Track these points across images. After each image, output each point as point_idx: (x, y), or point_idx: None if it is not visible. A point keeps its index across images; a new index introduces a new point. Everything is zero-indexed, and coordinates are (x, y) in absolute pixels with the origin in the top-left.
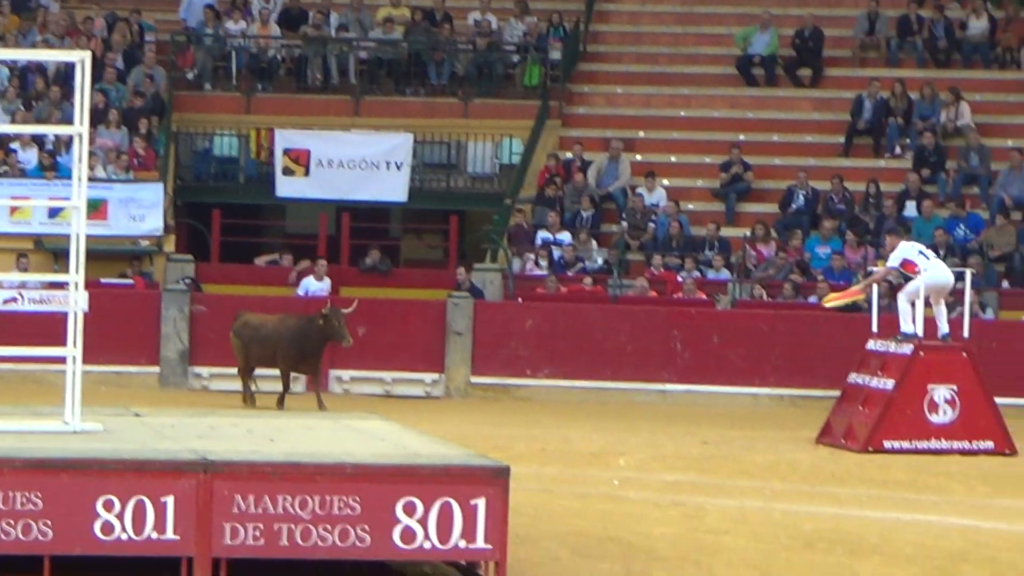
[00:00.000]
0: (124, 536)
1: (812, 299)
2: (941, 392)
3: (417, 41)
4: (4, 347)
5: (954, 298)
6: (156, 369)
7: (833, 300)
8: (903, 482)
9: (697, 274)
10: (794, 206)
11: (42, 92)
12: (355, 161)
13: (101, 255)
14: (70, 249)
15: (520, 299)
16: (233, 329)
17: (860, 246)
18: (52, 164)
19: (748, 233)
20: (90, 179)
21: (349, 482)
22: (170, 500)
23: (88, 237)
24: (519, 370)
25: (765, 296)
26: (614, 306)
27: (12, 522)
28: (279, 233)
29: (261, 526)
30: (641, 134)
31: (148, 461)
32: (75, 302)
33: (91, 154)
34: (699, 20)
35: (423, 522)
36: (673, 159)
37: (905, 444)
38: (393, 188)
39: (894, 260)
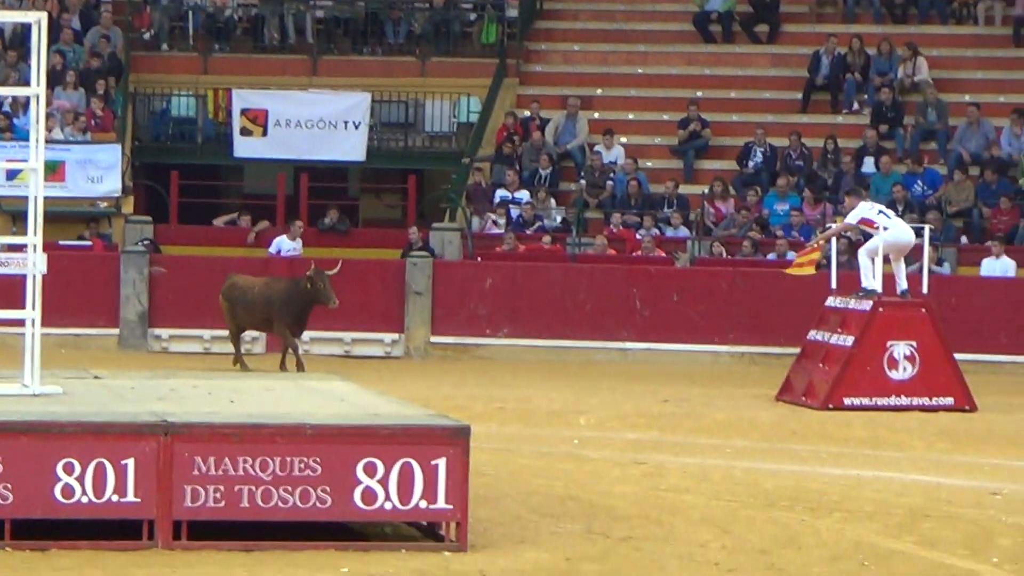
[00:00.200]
0: (85, 499)
1: (771, 256)
2: (901, 348)
3: (374, 0)
4: None
5: (912, 257)
6: (115, 331)
7: (796, 269)
8: (863, 439)
9: (656, 232)
10: (752, 163)
11: None
12: (313, 121)
13: (59, 217)
14: (28, 211)
15: (479, 258)
16: (222, 291)
17: (818, 203)
18: (8, 126)
19: (707, 190)
20: (47, 141)
21: (309, 443)
22: (131, 463)
23: (46, 199)
24: (479, 330)
25: (724, 254)
26: (573, 265)
27: None
28: (237, 194)
29: (222, 488)
30: (599, 92)
31: (108, 424)
32: (33, 264)
33: (48, 116)
34: None
35: (384, 483)
36: (631, 116)
37: (865, 401)
38: (351, 148)
39: (852, 218)
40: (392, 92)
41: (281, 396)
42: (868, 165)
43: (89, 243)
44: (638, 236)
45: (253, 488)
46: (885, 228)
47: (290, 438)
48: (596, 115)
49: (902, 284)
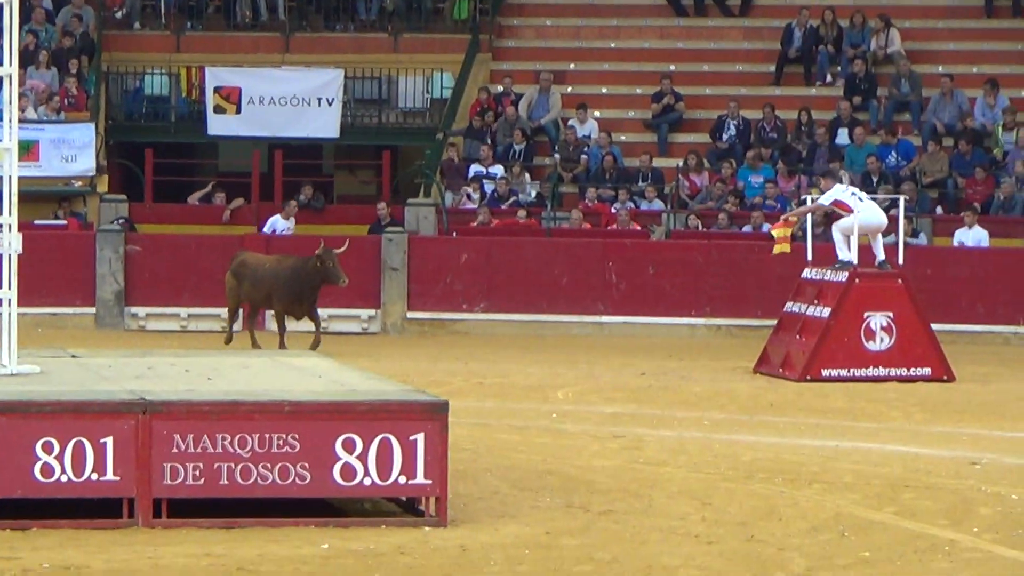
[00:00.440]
0: (64, 478)
1: (747, 228)
2: (877, 319)
3: None
4: None
5: (888, 229)
6: (92, 310)
7: (779, 248)
8: (841, 410)
9: (631, 205)
10: (726, 136)
11: None
12: (286, 98)
13: (34, 196)
14: (2, 191)
15: (455, 234)
16: (231, 268)
17: (792, 175)
18: None
19: (681, 164)
20: (21, 121)
21: (288, 420)
22: (109, 441)
23: (20, 179)
24: (455, 305)
25: (700, 226)
26: (549, 239)
27: None
28: (212, 171)
29: (201, 466)
30: (572, 66)
31: (86, 402)
32: (8, 244)
33: (21, 95)
34: None
35: (363, 459)
36: (604, 91)
37: (843, 372)
38: (325, 124)
39: (826, 199)
40: (365, 68)
41: (259, 373)
42: (842, 137)
43: (64, 222)
44: (613, 210)
45: (232, 465)
46: (858, 211)
47: (268, 415)
48: (569, 89)
49: (880, 255)
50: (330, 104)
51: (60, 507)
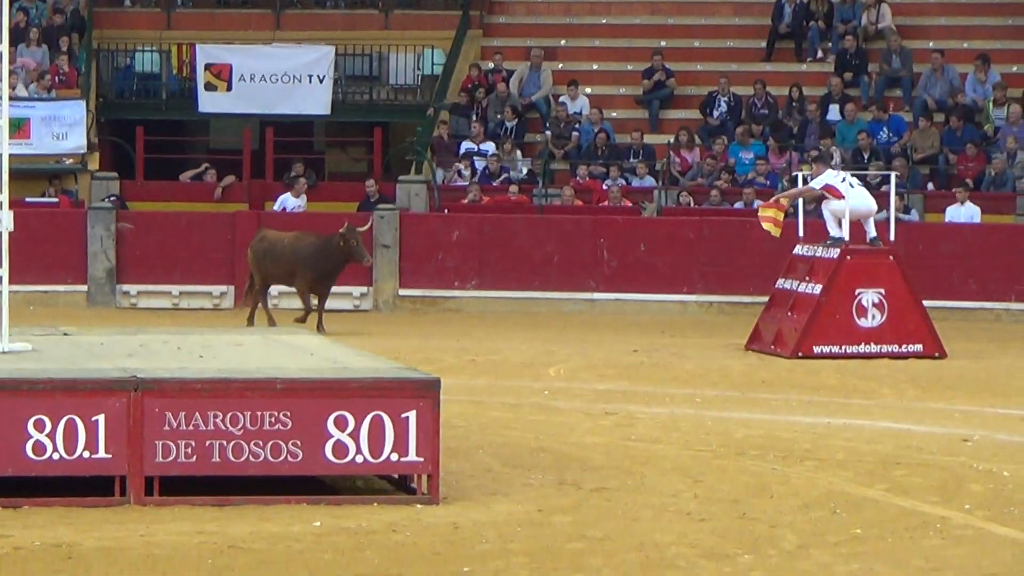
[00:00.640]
0: (56, 456)
1: (738, 205)
2: (869, 296)
3: None
4: None
5: (879, 205)
6: (84, 288)
7: (768, 226)
8: (833, 387)
9: (622, 182)
10: (717, 112)
11: None
12: (277, 75)
13: (25, 174)
14: None
15: (446, 211)
16: (251, 245)
17: (783, 151)
18: None
19: (672, 140)
20: (12, 98)
21: (280, 397)
22: (101, 419)
23: (11, 156)
24: (447, 282)
25: (692, 203)
26: (540, 216)
27: None
28: (203, 149)
29: (193, 443)
30: (563, 42)
31: (78, 380)
32: (0, 221)
33: (12, 73)
34: None
35: (355, 436)
36: (595, 67)
37: (834, 349)
38: (316, 101)
39: (817, 183)
40: (356, 45)
41: (250, 351)
42: (833, 113)
43: (55, 200)
44: (604, 187)
45: (224, 443)
46: (847, 198)
47: (260, 392)
48: (560, 66)
49: (871, 232)
50: (321, 81)
51: (52, 485)
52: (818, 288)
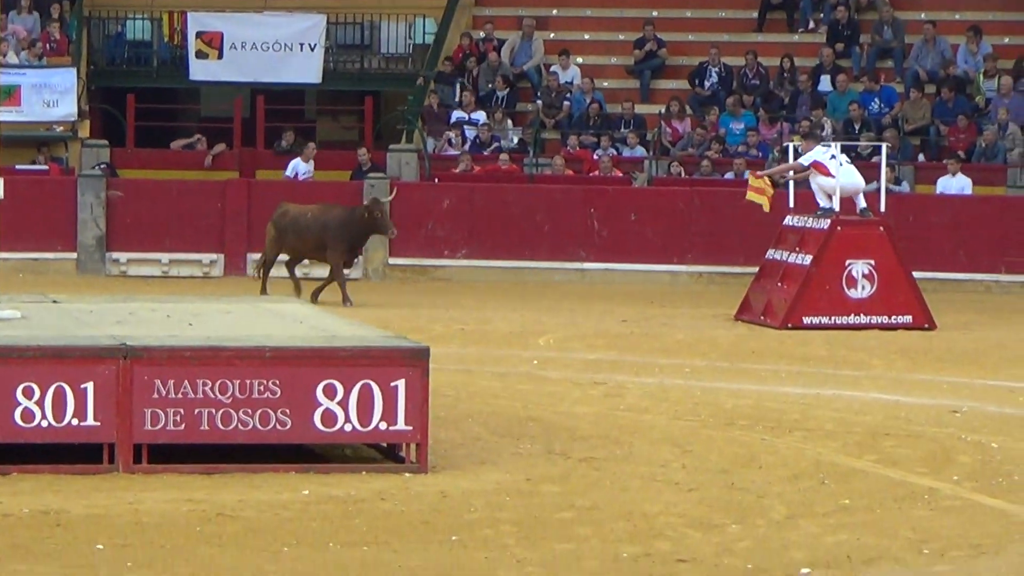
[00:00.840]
0: (45, 423)
1: (729, 175)
2: (859, 267)
3: None
4: None
5: (870, 176)
6: (73, 255)
7: (753, 196)
8: (822, 358)
9: (613, 152)
10: (708, 83)
11: None
12: (268, 43)
13: (15, 141)
14: None
15: (436, 179)
16: (272, 219)
17: (774, 122)
18: None
19: (663, 110)
20: (2, 65)
21: (269, 365)
22: (90, 386)
23: (1, 123)
24: (437, 251)
25: (683, 173)
26: (531, 185)
27: None
28: (194, 117)
29: (182, 411)
30: (554, 12)
31: (67, 348)
32: None
33: (3, 40)
34: None
35: (344, 404)
36: (586, 37)
37: (824, 319)
38: (307, 70)
39: (805, 160)
40: (347, 13)
41: (240, 319)
42: (824, 83)
43: (46, 167)
44: (595, 156)
45: (213, 411)
46: (836, 176)
47: (249, 361)
48: (552, 35)
49: (861, 203)
50: (312, 49)
51: (40, 452)
52: (808, 259)
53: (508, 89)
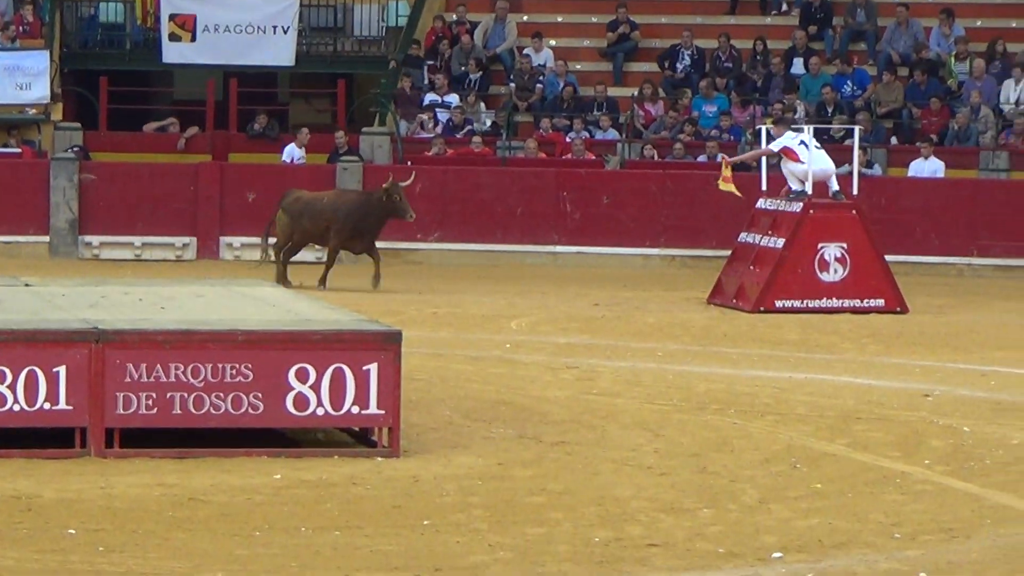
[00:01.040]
0: (16, 407)
1: (702, 158)
2: (831, 250)
3: None
4: None
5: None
6: (46, 238)
7: (724, 186)
8: (795, 341)
9: (586, 135)
10: (681, 65)
11: None
12: (241, 26)
13: None
14: None
15: (409, 163)
16: (282, 205)
17: (747, 105)
18: None
19: (636, 93)
20: None
21: (241, 349)
22: (62, 370)
23: None
24: (410, 234)
25: (656, 156)
26: (504, 168)
27: None
28: (167, 100)
29: (154, 395)
30: None
31: (39, 331)
32: None
33: None
34: None
35: (316, 388)
36: (559, 19)
37: (796, 303)
38: (280, 52)
39: (775, 146)
40: None
41: (212, 302)
42: (797, 66)
43: (18, 150)
44: (568, 139)
45: (185, 395)
46: (805, 162)
47: (222, 344)
48: (525, 18)
49: (834, 186)
50: (285, 32)
51: (12, 436)
52: (781, 242)
53: (481, 72)
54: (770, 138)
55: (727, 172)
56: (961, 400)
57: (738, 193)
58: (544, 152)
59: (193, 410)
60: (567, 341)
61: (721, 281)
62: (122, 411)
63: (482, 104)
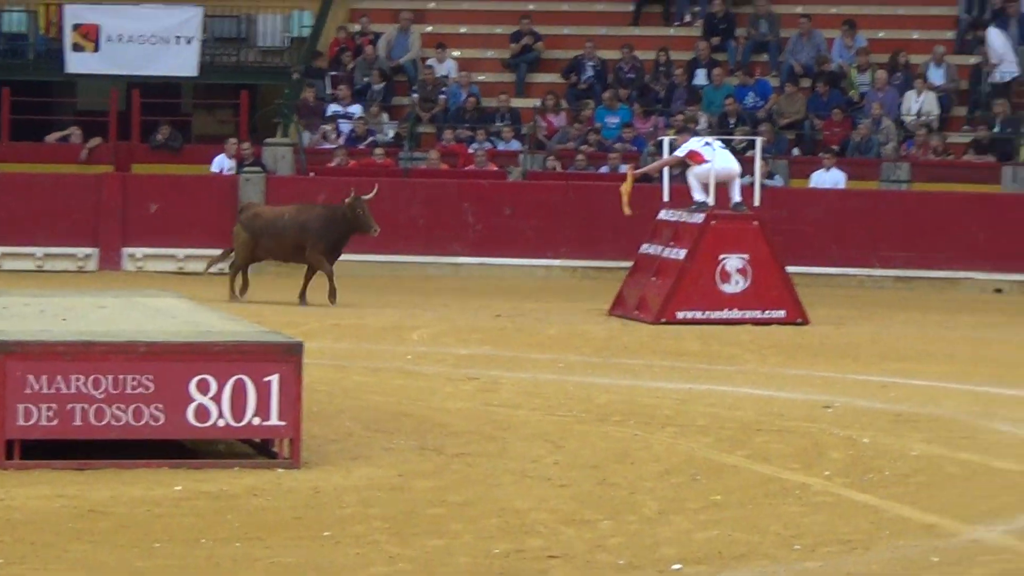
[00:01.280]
0: None
1: (604, 169)
2: (733, 261)
3: None
4: None
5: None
6: None
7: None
8: (696, 353)
9: (488, 145)
10: (583, 76)
11: None
12: (145, 36)
13: None
14: None
15: (312, 173)
16: (240, 221)
17: (649, 116)
18: None
19: (539, 104)
20: None
21: (142, 361)
22: None
23: None
24: None
25: (558, 167)
26: (406, 179)
27: None
28: (70, 110)
29: (55, 406)
30: (431, 4)
31: None
32: None
33: None
34: None
35: (217, 400)
36: (463, 30)
37: (698, 314)
38: (183, 63)
39: (681, 151)
40: (224, 7)
41: (114, 314)
42: (700, 77)
43: None
44: (470, 150)
45: (86, 406)
46: (710, 161)
47: (123, 356)
48: (429, 28)
49: (736, 197)
50: (189, 42)
51: None
52: (682, 253)
53: (384, 83)
54: (673, 149)
55: (628, 186)
56: (861, 411)
57: (627, 210)
58: (447, 163)
59: (94, 421)
60: (468, 352)
61: (623, 292)
62: (23, 422)
63: (385, 115)
